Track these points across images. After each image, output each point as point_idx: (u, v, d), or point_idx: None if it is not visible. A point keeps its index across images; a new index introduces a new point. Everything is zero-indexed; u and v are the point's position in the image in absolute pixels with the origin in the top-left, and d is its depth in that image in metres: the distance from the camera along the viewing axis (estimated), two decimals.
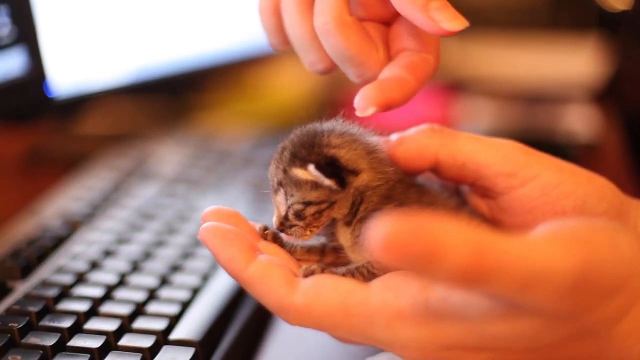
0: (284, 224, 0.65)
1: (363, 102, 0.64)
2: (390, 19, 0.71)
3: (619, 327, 0.56)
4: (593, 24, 1.62)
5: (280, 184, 0.64)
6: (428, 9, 0.62)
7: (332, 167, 0.63)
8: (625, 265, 0.54)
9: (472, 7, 1.61)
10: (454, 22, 0.62)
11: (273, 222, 0.66)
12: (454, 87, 1.50)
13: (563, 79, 1.53)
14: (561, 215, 0.66)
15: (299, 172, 0.63)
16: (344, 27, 0.66)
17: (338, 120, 0.67)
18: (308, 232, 0.65)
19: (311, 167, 0.62)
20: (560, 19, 1.64)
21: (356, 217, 0.65)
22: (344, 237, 0.66)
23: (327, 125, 0.66)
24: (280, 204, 0.65)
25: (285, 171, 0.64)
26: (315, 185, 0.63)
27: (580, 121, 1.37)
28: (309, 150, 0.63)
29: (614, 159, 1.31)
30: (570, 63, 1.55)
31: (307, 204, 0.63)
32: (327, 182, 0.62)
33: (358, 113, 0.64)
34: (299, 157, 0.63)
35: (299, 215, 0.64)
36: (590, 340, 0.57)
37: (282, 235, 0.66)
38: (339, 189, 0.63)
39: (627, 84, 1.57)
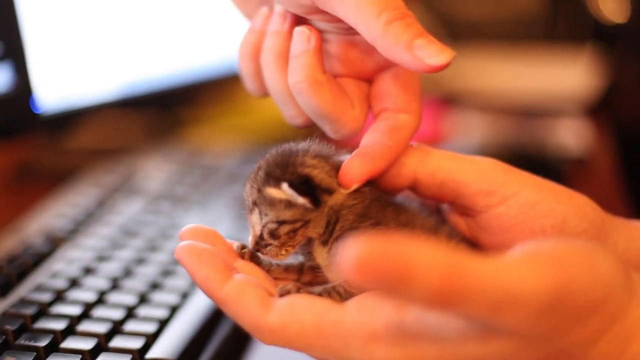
0: (260, 244, 0.65)
1: (347, 179, 0.63)
2: (370, 76, 0.70)
3: (595, 350, 0.56)
4: (589, 37, 1.62)
5: (255, 203, 0.64)
6: (412, 48, 0.60)
7: (306, 186, 0.62)
8: (602, 288, 0.53)
9: (467, 19, 1.61)
10: (439, 56, 0.60)
11: (249, 241, 0.66)
12: (447, 100, 1.50)
13: (557, 92, 1.53)
14: (540, 234, 0.66)
15: (272, 192, 0.63)
16: (316, 86, 0.66)
17: (314, 141, 0.66)
18: (284, 252, 0.65)
19: (284, 186, 0.62)
20: (556, 31, 1.64)
21: (332, 236, 0.65)
22: (320, 256, 0.66)
23: (302, 145, 0.66)
24: (255, 224, 0.64)
25: (259, 190, 0.64)
26: (289, 204, 0.63)
27: (572, 135, 1.37)
28: (283, 170, 0.63)
29: (604, 174, 1.30)
30: (565, 76, 1.55)
31: (281, 223, 0.63)
32: (301, 200, 0.62)
33: (342, 190, 0.64)
34: (273, 176, 0.63)
35: (273, 234, 0.64)
36: None
37: (259, 254, 0.66)
38: (313, 207, 0.63)
39: (621, 97, 1.57)
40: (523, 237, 0.66)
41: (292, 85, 0.67)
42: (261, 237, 0.64)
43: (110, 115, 1.35)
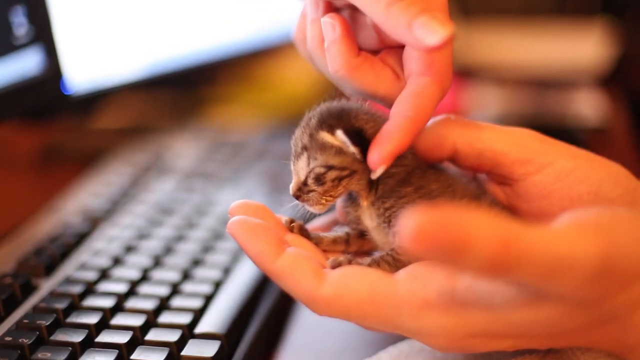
0: (302, 189, 0.66)
1: (372, 163, 0.64)
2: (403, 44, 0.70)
3: (639, 314, 0.57)
4: (599, 9, 1.62)
5: (304, 148, 0.66)
6: (412, 29, 0.60)
7: (359, 137, 0.64)
8: None
9: None
10: (436, 35, 0.59)
11: (290, 188, 0.67)
12: (462, 74, 1.50)
13: (570, 64, 1.53)
14: (577, 201, 0.67)
15: (325, 136, 0.65)
16: (354, 72, 0.67)
17: (364, 103, 0.68)
18: (323, 201, 0.66)
19: (339, 132, 0.64)
20: (567, 3, 1.64)
21: (376, 197, 0.66)
22: (369, 218, 0.68)
23: (354, 103, 0.68)
24: (300, 169, 0.66)
25: (311, 135, 0.65)
26: (340, 151, 0.64)
27: (588, 106, 1.38)
28: (338, 119, 0.65)
29: (622, 143, 1.32)
30: (577, 48, 1.56)
31: (330, 167, 0.65)
32: (352, 148, 0.64)
33: (373, 175, 0.65)
34: (327, 123, 0.65)
35: (319, 179, 0.65)
36: (612, 326, 0.58)
37: (308, 226, 0.68)
38: (362, 159, 0.64)
39: (633, 68, 1.58)
40: (561, 203, 0.67)
41: (332, 75, 0.68)
42: (305, 183, 0.66)
43: (134, 96, 1.36)
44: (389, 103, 0.68)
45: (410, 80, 0.67)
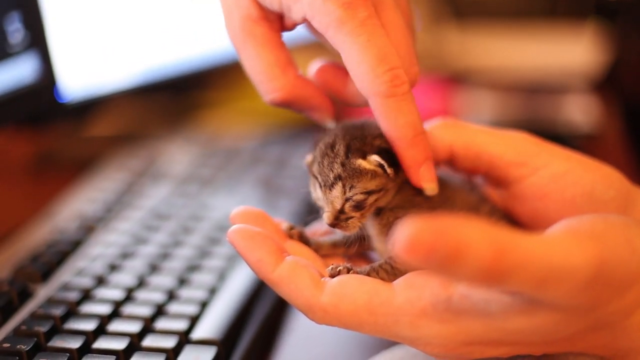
0: (339, 218, 0.66)
1: (430, 186, 0.66)
2: None
3: (632, 319, 0.58)
4: (591, 13, 1.63)
5: (338, 177, 0.65)
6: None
7: (390, 157, 0.65)
8: (638, 261, 0.55)
9: None
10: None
11: (325, 218, 0.67)
12: (453, 79, 1.50)
13: (562, 69, 1.54)
14: (570, 202, 0.68)
15: (362, 163, 0.65)
16: None
17: (365, 119, 0.69)
18: (359, 223, 0.67)
19: (375, 157, 0.64)
20: (558, 8, 1.64)
21: (387, 206, 0.67)
22: (372, 226, 0.69)
23: (366, 120, 0.68)
24: (335, 198, 0.66)
25: (344, 164, 0.65)
26: (374, 174, 0.65)
27: (580, 111, 1.38)
28: (363, 142, 0.66)
29: (614, 148, 1.32)
30: (569, 52, 1.56)
31: (369, 193, 0.65)
32: (389, 170, 0.64)
33: (432, 192, 0.67)
34: (355, 149, 0.65)
35: (359, 205, 0.65)
36: (605, 332, 0.59)
37: (306, 231, 0.69)
38: (395, 177, 0.65)
39: (625, 72, 1.58)
40: (555, 205, 0.69)
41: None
42: (342, 211, 0.66)
43: (127, 103, 1.36)
44: None
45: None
